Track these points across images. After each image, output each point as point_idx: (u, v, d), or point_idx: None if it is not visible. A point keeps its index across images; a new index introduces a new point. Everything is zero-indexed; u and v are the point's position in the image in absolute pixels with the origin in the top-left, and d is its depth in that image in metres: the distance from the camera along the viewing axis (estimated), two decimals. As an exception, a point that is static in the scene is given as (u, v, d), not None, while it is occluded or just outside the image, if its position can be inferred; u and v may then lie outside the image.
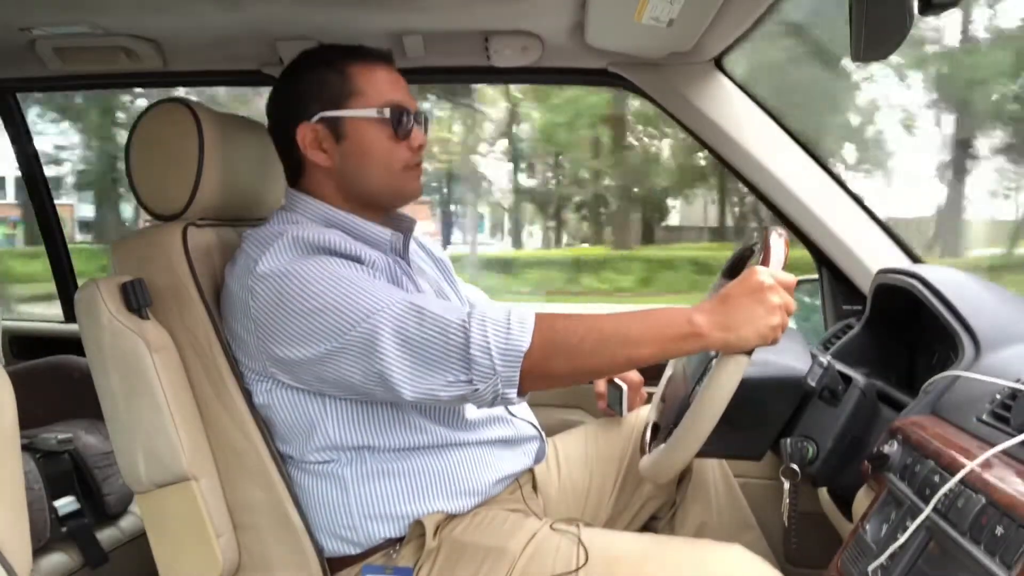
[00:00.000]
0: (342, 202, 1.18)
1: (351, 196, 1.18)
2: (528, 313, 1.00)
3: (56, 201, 2.19)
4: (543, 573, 1.04)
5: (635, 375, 1.47)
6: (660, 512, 1.38)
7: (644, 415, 1.42)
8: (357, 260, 1.09)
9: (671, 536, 1.32)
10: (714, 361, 0.99)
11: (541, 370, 0.98)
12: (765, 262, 0.99)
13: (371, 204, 1.20)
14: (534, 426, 1.29)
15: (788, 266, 1.01)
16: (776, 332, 0.95)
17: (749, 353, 0.95)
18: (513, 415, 1.25)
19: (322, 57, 1.18)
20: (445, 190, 12.92)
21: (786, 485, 1.07)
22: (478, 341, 0.97)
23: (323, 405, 1.10)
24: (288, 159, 1.21)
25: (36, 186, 2.12)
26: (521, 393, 0.99)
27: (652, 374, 1.50)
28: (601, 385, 1.49)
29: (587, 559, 1.04)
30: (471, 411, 1.18)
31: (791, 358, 1.13)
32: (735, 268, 1.23)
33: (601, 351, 0.98)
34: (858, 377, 1.13)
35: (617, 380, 1.46)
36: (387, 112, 1.15)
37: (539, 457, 1.29)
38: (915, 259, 1.50)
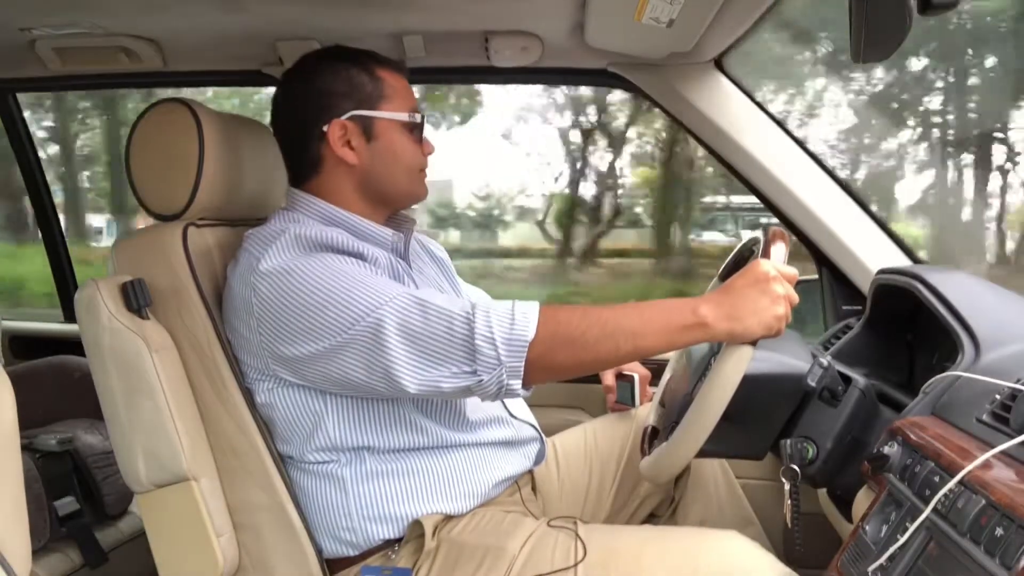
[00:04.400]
0: (356, 200, 1.18)
1: (369, 194, 1.18)
2: (532, 304, 1.00)
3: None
4: (542, 570, 1.04)
5: (643, 368, 1.47)
6: (659, 510, 1.39)
7: (644, 415, 1.42)
8: (359, 257, 1.09)
9: (669, 526, 1.32)
10: (716, 357, 0.99)
11: (546, 361, 0.98)
12: (766, 255, 1.00)
13: (386, 203, 1.21)
14: (534, 427, 1.29)
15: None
16: (780, 322, 0.96)
17: (753, 344, 0.95)
18: (513, 416, 1.25)
19: (349, 58, 1.18)
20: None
21: (787, 486, 1.07)
22: (482, 332, 0.97)
23: (324, 404, 1.10)
24: (302, 156, 1.18)
25: (36, 186, 2.12)
26: (526, 385, 0.99)
27: (653, 373, 1.50)
28: (609, 379, 1.49)
29: (585, 553, 1.04)
30: (472, 411, 1.18)
31: (791, 358, 1.13)
32: (734, 269, 1.23)
33: (606, 341, 0.97)
34: (858, 377, 1.13)
35: (627, 372, 1.46)
36: (417, 117, 1.18)
37: (539, 459, 1.29)
38: (915, 259, 1.50)
